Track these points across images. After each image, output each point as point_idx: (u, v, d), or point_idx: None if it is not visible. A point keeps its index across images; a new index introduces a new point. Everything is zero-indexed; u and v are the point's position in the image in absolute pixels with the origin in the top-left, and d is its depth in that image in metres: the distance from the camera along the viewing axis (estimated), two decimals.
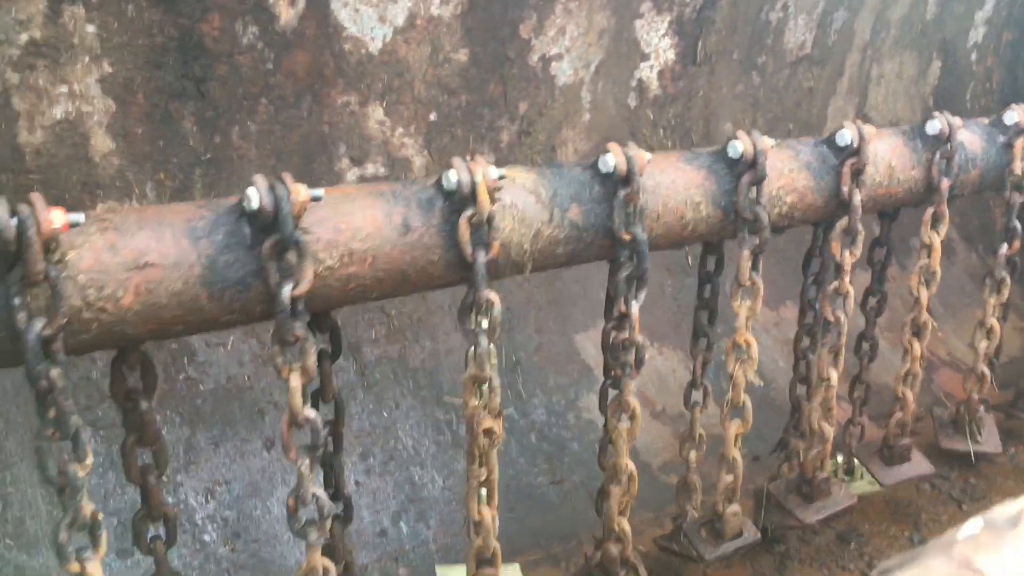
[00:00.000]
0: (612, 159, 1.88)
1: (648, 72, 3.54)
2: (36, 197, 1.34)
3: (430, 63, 3.03)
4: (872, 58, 4.16)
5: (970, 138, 2.57)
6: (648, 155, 1.93)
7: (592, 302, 3.53)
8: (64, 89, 2.50)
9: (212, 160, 2.77)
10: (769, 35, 3.79)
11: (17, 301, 1.34)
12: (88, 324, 1.43)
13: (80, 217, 1.38)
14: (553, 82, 3.33)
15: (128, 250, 1.45)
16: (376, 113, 3.00)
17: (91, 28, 2.48)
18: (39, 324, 1.35)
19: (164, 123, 2.67)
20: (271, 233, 1.53)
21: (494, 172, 1.74)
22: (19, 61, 2.41)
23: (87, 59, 2.50)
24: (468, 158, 1.75)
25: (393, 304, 3.08)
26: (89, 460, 1.45)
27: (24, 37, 2.41)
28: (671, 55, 3.56)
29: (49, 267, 1.34)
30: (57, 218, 1.33)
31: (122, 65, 2.55)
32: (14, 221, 1.32)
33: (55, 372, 1.38)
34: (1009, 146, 2.61)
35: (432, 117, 3.11)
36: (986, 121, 2.67)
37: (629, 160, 1.88)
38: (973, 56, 4.52)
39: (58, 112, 2.51)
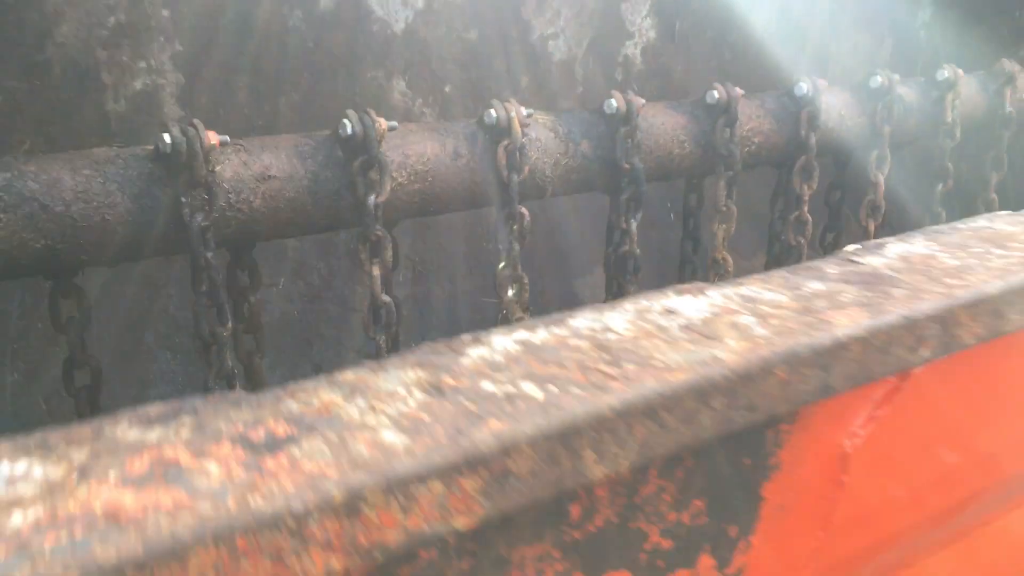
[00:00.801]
0: (615, 102, 2.38)
1: (633, 49, 4.04)
2: (198, 122, 1.82)
3: (445, 41, 3.52)
4: (831, 36, 4.68)
5: (908, 93, 3.09)
6: (642, 100, 2.43)
7: (588, 253, 4.03)
8: (143, 64, 2.97)
9: (263, 126, 3.24)
10: (738, 16, 4.29)
11: (184, 199, 1.82)
12: (229, 221, 1.91)
13: (227, 138, 1.86)
14: (550, 58, 3.82)
15: (257, 166, 1.93)
16: (400, 86, 3.48)
17: (166, 12, 2.95)
18: (200, 216, 1.83)
19: (224, 94, 3.14)
20: (360, 154, 2.01)
21: (524, 111, 2.23)
22: (108, 40, 2.88)
23: (162, 39, 2.97)
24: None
25: (416, 252, 3.56)
26: (230, 324, 1.93)
27: (112, 20, 2.87)
28: (652, 34, 4.06)
29: (207, 174, 1.82)
30: (213, 137, 1.81)
31: (190, 44, 3.03)
32: (185, 138, 1.79)
33: (210, 254, 1.86)
34: (941, 99, 3.13)
35: (447, 89, 3.60)
36: (922, 79, 3.19)
37: (628, 104, 2.38)
38: (922, 34, 5.05)
39: (138, 84, 2.98)
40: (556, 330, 0.95)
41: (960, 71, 3.15)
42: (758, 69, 4.50)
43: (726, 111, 2.58)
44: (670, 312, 0.98)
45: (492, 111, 2.20)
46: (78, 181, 1.75)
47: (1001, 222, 1.62)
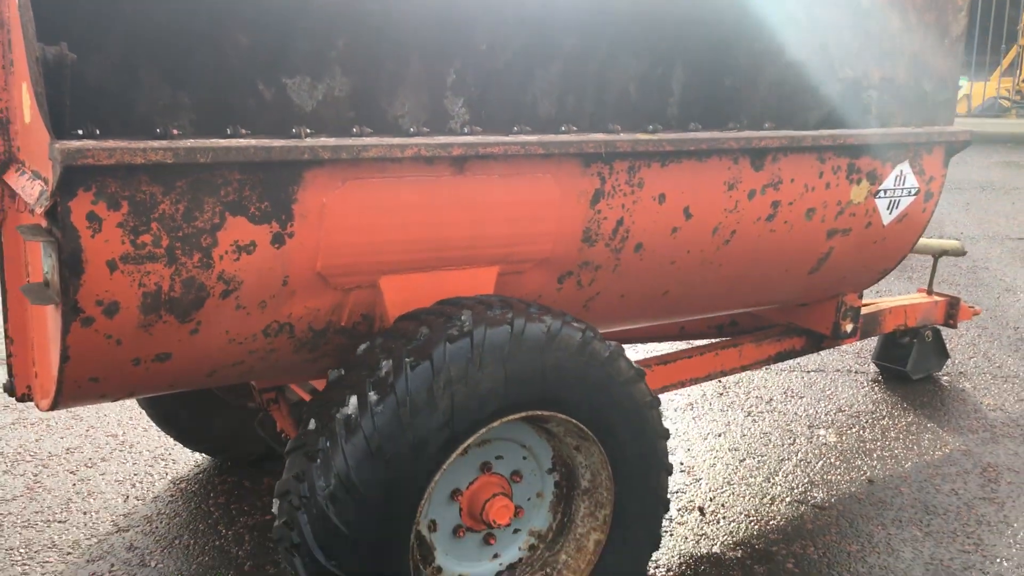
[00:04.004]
0: None
1: (455, 125, 7.30)
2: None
3: (335, 118, 6.87)
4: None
5: None
6: None
7: None
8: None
9: None
10: (527, 107, 7.53)
11: None
12: None
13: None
14: (401, 131, 7.12)
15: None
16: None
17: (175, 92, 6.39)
18: None
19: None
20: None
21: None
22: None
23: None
24: None
25: None
26: None
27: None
28: (467, 117, 7.33)
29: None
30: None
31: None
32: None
33: None
34: None
35: None
36: None
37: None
38: None
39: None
40: None
41: None
42: None
43: None
44: None
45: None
46: None
47: None
